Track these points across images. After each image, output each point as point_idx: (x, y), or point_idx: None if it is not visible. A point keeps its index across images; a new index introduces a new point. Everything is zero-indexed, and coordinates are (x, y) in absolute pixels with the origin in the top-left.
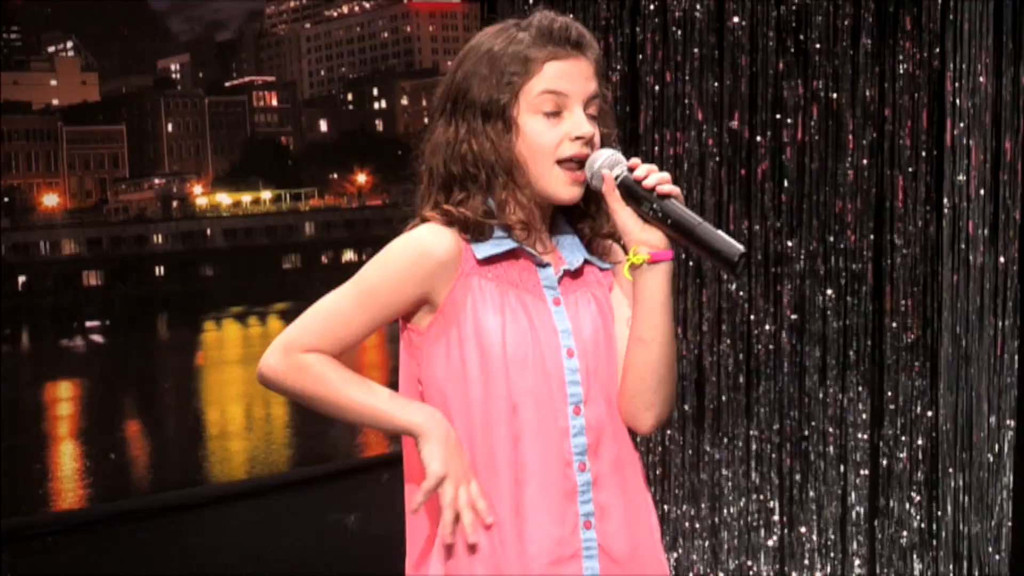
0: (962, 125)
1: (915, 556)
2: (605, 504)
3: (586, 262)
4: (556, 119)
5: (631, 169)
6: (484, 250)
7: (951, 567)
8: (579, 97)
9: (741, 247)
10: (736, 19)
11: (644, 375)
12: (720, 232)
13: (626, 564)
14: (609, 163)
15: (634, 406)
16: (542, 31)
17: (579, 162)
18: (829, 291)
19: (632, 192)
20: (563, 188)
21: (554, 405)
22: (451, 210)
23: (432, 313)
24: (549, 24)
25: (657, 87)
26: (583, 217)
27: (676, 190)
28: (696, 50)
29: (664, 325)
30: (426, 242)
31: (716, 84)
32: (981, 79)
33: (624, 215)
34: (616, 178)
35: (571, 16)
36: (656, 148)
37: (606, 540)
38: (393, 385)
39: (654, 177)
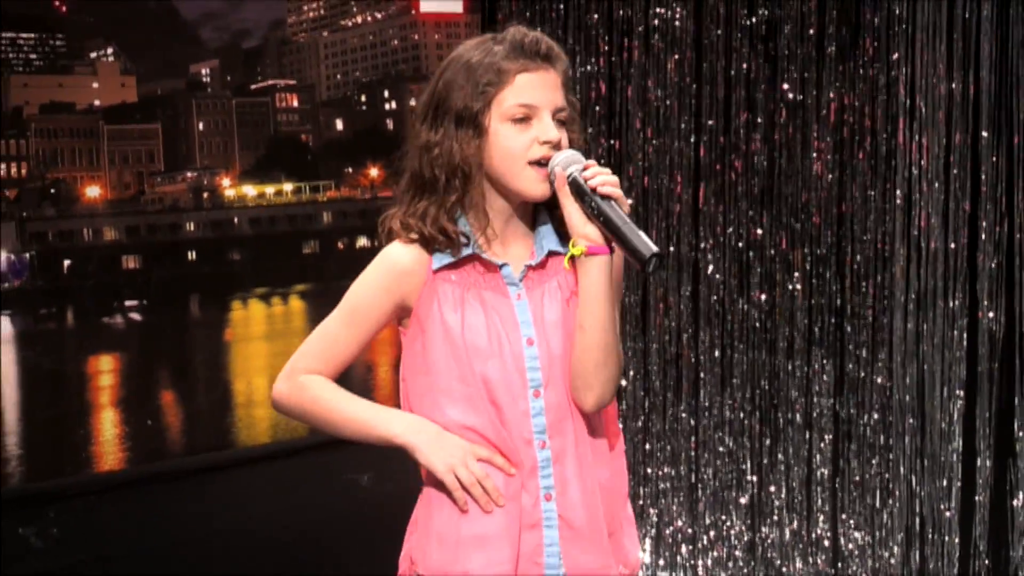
0: (916, 123)
1: (874, 513)
2: (566, 478)
3: (555, 254)
4: (525, 126)
5: (585, 169)
6: (439, 260)
7: (907, 523)
8: (548, 106)
9: (655, 248)
10: (712, 27)
11: (583, 358)
12: (642, 234)
13: (584, 532)
14: (565, 162)
15: (576, 386)
16: (515, 45)
17: (546, 163)
18: (796, 274)
19: (579, 190)
20: (534, 186)
21: (514, 390)
22: (411, 223)
23: (409, 316)
24: (521, 38)
25: (639, 90)
26: (557, 208)
27: (618, 193)
28: (676, 55)
29: (601, 313)
30: (392, 258)
31: (695, 86)
32: (934, 81)
33: (571, 210)
34: (568, 176)
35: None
36: (642, 146)
37: (565, 511)
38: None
39: (599, 178)
